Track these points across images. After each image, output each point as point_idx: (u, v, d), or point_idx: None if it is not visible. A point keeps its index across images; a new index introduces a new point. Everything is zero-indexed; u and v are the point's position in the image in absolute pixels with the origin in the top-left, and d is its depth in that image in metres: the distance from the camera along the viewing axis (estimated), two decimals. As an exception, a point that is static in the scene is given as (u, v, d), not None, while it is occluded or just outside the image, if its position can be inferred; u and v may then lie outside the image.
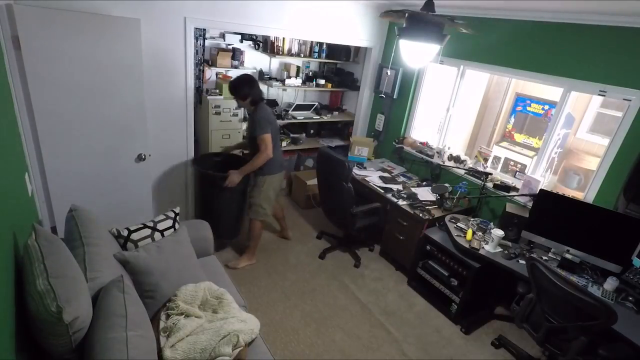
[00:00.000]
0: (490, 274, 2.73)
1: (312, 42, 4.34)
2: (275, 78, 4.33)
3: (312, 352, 2.46)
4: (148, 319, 1.58)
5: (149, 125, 2.88)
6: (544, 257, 2.62)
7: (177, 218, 2.24)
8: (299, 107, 4.45)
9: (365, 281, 3.23)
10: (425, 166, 3.81)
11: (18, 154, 2.03)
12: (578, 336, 2.03)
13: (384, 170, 3.90)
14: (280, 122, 4.34)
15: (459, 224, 2.95)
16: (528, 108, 3.88)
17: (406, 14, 1.96)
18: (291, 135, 4.44)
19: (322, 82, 4.56)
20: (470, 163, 3.59)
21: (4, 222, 1.38)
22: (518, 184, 3.17)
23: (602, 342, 2.03)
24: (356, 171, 3.77)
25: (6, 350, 1.10)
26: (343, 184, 3.02)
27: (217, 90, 3.84)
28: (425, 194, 3.37)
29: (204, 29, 3.79)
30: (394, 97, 4.04)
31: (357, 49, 4.59)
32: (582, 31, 2.61)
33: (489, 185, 3.18)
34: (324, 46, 4.44)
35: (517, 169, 3.48)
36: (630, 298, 2.24)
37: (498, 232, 2.65)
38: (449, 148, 3.72)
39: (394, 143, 4.10)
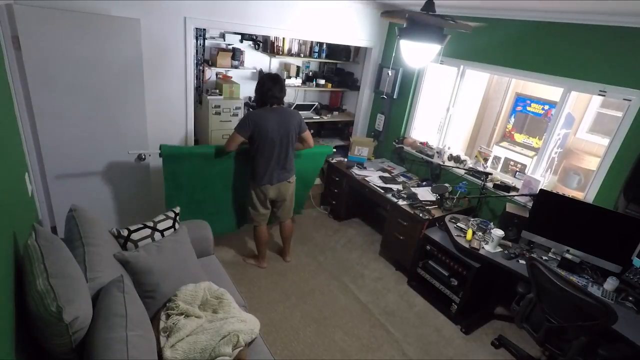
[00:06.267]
0: (490, 274, 2.73)
1: (312, 42, 4.34)
2: (275, 78, 4.33)
3: (312, 352, 2.46)
4: (148, 319, 1.58)
5: (149, 125, 2.88)
6: (544, 257, 2.62)
7: (177, 218, 2.24)
8: (299, 107, 4.45)
9: (365, 281, 3.23)
10: (425, 166, 3.81)
11: (18, 154, 2.03)
12: (578, 336, 2.03)
13: (384, 170, 3.90)
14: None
15: (459, 224, 2.95)
16: (528, 108, 3.87)
17: (406, 14, 1.96)
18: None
19: (322, 82, 4.56)
20: (470, 163, 3.58)
21: (4, 222, 1.37)
22: (518, 184, 3.17)
23: (602, 342, 2.04)
24: (356, 171, 3.77)
25: (6, 351, 1.10)
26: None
27: (217, 90, 3.84)
28: (425, 194, 3.36)
29: (204, 29, 3.79)
30: (394, 97, 4.03)
31: (357, 49, 4.59)
32: (582, 31, 2.61)
33: (489, 185, 3.18)
34: (324, 46, 4.44)
35: (517, 169, 3.48)
36: (630, 298, 2.24)
37: (498, 232, 2.64)
38: (449, 148, 3.72)
39: (394, 143, 4.10)
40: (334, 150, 3.59)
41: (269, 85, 2.66)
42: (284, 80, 2.95)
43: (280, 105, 2.75)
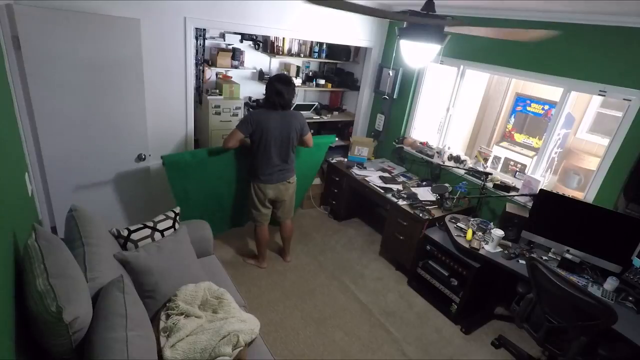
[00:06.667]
0: (490, 274, 2.73)
1: (312, 42, 4.34)
2: (275, 78, 4.33)
3: (312, 352, 2.46)
4: (148, 319, 1.58)
5: (149, 125, 2.88)
6: (544, 257, 2.62)
7: (177, 218, 2.25)
8: (299, 107, 4.44)
9: (365, 281, 3.23)
10: (425, 166, 3.81)
11: (18, 154, 2.03)
12: (578, 336, 2.03)
13: (384, 170, 3.90)
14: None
15: (459, 224, 2.95)
16: (528, 108, 3.87)
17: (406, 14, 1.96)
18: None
19: (322, 82, 4.56)
20: (470, 163, 3.58)
21: (4, 222, 1.37)
22: (518, 184, 3.17)
23: (602, 342, 2.04)
24: (356, 171, 3.77)
25: (6, 350, 1.10)
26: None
27: (217, 90, 3.84)
28: (425, 194, 3.36)
29: (204, 29, 3.79)
30: (394, 97, 4.03)
31: (357, 49, 4.59)
32: (582, 31, 2.61)
33: (489, 185, 3.18)
34: (324, 46, 4.44)
35: (517, 169, 3.48)
36: (630, 298, 2.24)
37: (498, 232, 2.64)
38: (449, 148, 3.72)
39: (394, 143, 4.10)
40: (336, 138, 3.55)
41: (280, 89, 2.62)
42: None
43: (287, 109, 2.74)
